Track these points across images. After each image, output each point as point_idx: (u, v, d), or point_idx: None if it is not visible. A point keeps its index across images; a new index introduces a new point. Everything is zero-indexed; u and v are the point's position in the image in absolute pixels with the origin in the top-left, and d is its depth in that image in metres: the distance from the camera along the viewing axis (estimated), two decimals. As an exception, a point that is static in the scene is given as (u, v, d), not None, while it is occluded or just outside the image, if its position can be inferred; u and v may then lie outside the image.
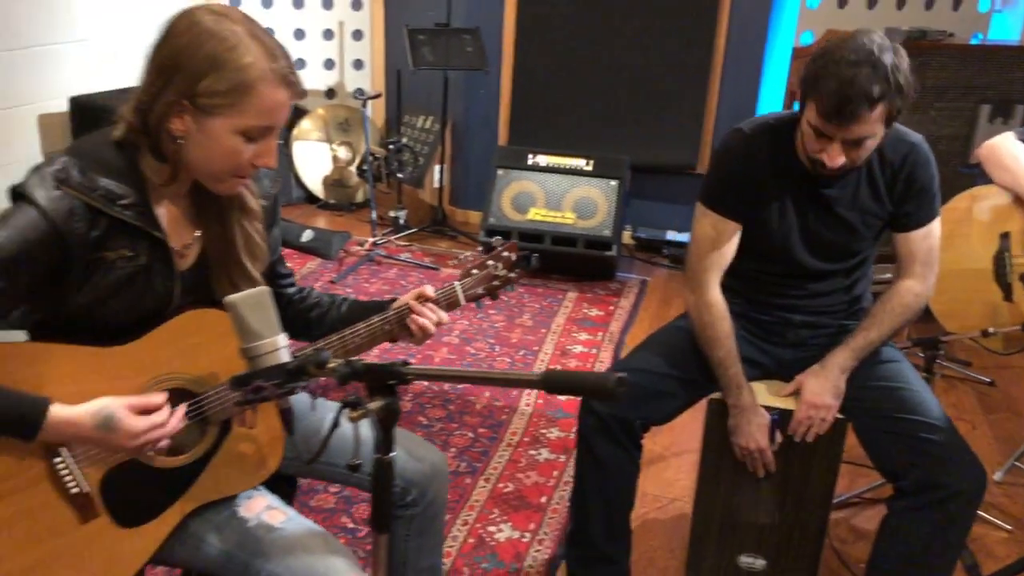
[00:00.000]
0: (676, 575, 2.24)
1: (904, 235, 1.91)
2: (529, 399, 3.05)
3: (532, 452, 2.74)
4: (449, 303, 1.61)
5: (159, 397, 1.32)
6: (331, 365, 1.06)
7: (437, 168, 4.75)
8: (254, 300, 1.20)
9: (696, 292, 1.96)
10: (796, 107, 1.85)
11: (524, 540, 2.33)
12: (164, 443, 1.32)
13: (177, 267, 1.38)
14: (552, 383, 0.93)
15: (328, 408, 1.67)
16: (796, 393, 1.95)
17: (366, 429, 1.11)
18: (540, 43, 4.51)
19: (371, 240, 4.36)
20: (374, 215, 4.40)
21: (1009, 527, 2.44)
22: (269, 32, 1.33)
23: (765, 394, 2.00)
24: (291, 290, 1.65)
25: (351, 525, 2.33)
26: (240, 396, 1.19)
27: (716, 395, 2.01)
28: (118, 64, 4.05)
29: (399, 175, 4.56)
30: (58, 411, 1.24)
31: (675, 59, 4.38)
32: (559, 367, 3.30)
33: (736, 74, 4.38)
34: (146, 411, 1.29)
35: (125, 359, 1.32)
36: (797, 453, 1.98)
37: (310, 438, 1.60)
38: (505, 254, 1.68)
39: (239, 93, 1.26)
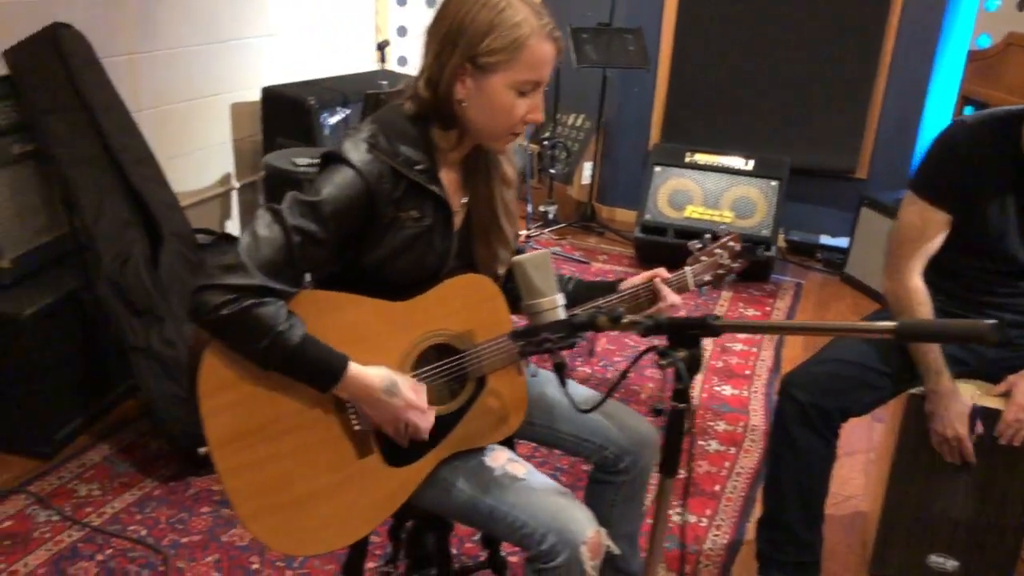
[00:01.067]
0: (857, 571, 2.25)
1: None
2: (694, 392, 3.08)
3: (701, 443, 2.79)
4: (679, 287, 1.69)
5: (424, 389, 1.47)
6: (627, 320, 1.16)
7: (587, 165, 4.84)
8: (539, 261, 1.31)
9: (895, 279, 1.97)
10: (968, 111, 1.84)
11: (702, 524, 2.39)
12: (423, 424, 1.45)
13: (453, 228, 1.52)
14: (909, 332, 0.98)
15: (547, 378, 1.78)
16: (1006, 394, 1.93)
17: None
18: (699, 42, 4.54)
19: (525, 233, 4.49)
20: (530, 208, 4.53)
21: None
22: (542, 5, 1.45)
23: (973, 392, 1.99)
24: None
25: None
26: (522, 347, 1.30)
27: (915, 390, 2.01)
28: (305, 58, 4.32)
29: (551, 171, 4.67)
30: (354, 370, 1.39)
31: (839, 60, 4.33)
32: (722, 363, 3.33)
33: (903, 77, 4.29)
34: (417, 391, 1.45)
35: (405, 314, 1.47)
36: (1001, 452, 1.97)
37: (536, 401, 1.72)
38: (730, 244, 1.75)
39: (513, 49, 1.38)
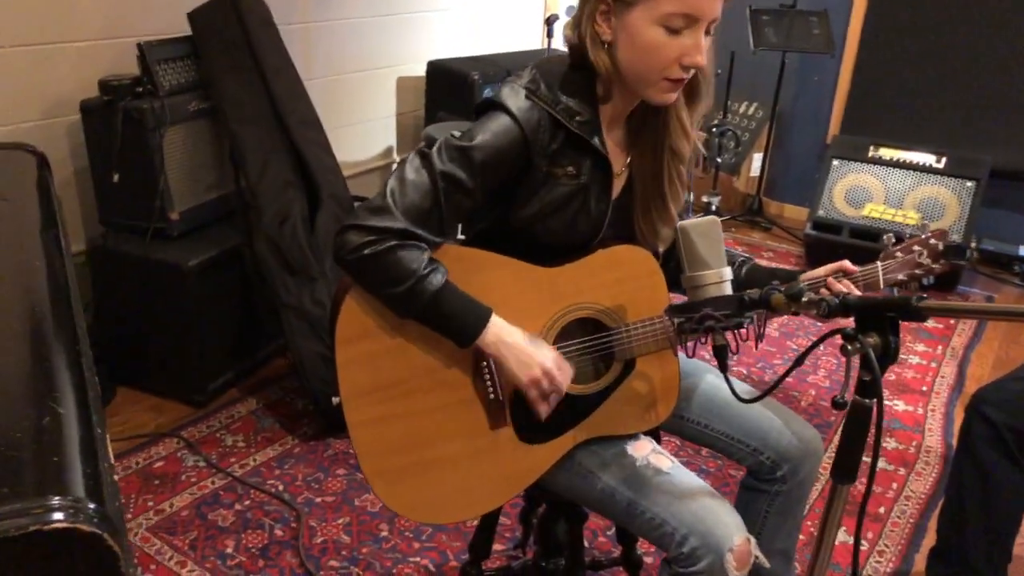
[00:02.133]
0: (1049, 623, 1.95)
1: None
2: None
3: (865, 459, 2.52)
4: (868, 284, 1.49)
5: (570, 367, 1.36)
6: (808, 298, 1.00)
7: (757, 156, 4.57)
8: (705, 228, 1.17)
9: None
10: None
11: (862, 548, 2.15)
12: (562, 384, 1.34)
13: (612, 193, 1.39)
14: None
15: (702, 366, 1.63)
16: None
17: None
18: (892, 25, 4.15)
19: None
20: (691, 197, 4.31)
21: None
22: None
23: None
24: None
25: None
26: (681, 324, 1.16)
27: None
28: (473, 33, 4.31)
29: (718, 159, 4.43)
30: (497, 323, 1.30)
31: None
32: (894, 376, 3.02)
33: None
34: (559, 360, 1.34)
35: (553, 281, 1.36)
36: None
37: (688, 391, 1.57)
38: (932, 241, 1.52)
39: None
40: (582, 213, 1.37)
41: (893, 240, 1.55)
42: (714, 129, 4.39)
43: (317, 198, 2.65)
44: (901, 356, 3.13)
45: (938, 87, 4.09)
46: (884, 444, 2.60)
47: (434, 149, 1.28)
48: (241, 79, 2.61)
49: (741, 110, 4.75)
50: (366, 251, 1.24)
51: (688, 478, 1.39)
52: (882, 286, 1.51)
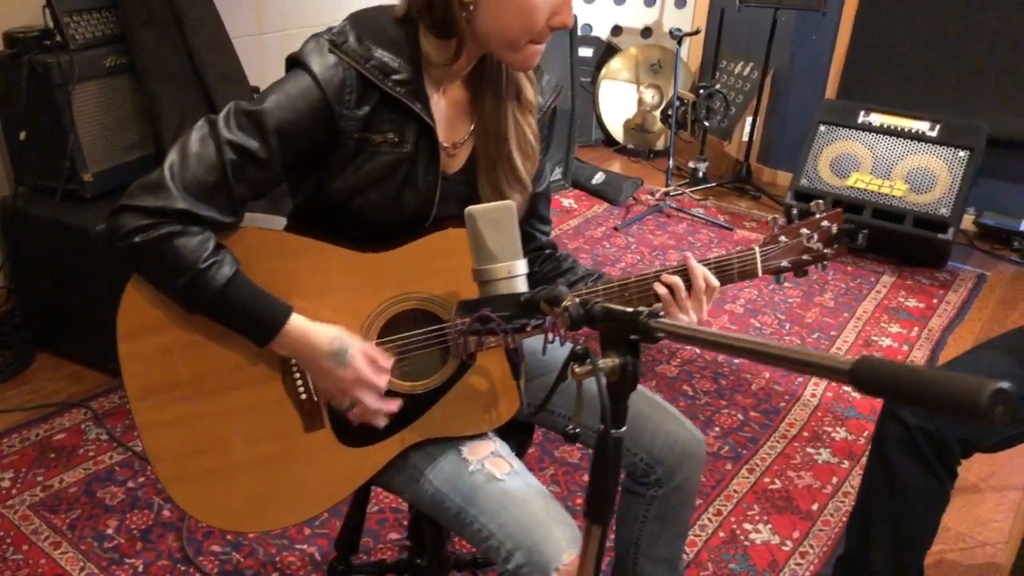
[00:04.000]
0: (974, 639, 1.80)
1: None
2: (817, 389, 2.65)
3: (810, 450, 2.37)
4: (743, 271, 1.32)
5: (389, 362, 1.21)
6: (566, 303, 0.85)
7: (749, 120, 4.33)
8: (496, 214, 1.02)
9: None
10: None
11: (784, 548, 2.00)
12: (372, 406, 1.21)
13: (444, 165, 1.24)
14: (867, 379, 0.63)
15: (562, 356, 1.48)
16: None
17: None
18: (894, -16, 3.87)
19: (663, 190, 4.09)
20: (671, 163, 4.11)
21: None
22: None
23: None
24: (544, 239, 1.46)
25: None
26: (464, 324, 1.02)
27: (1077, 431, 1.53)
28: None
29: (706, 123, 4.21)
30: (297, 323, 1.16)
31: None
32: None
33: None
34: (376, 366, 1.19)
35: (376, 267, 1.22)
36: None
37: (539, 386, 1.43)
38: (824, 224, 1.35)
39: None
40: (408, 187, 1.21)
41: (783, 222, 1.38)
42: (701, 91, 4.16)
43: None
44: (872, 338, 2.95)
45: (941, 50, 3.81)
46: (832, 433, 2.43)
47: (221, 115, 1.14)
48: (159, 32, 2.48)
49: (735, 70, 4.50)
50: (137, 238, 1.09)
51: (525, 485, 1.25)
52: (760, 273, 1.35)
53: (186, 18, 2.48)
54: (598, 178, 4.14)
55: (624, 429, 0.83)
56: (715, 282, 1.28)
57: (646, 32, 4.95)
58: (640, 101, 4.78)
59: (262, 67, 2.71)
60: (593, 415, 1.39)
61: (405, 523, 1.99)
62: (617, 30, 4.94)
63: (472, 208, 1.04)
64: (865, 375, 0.62)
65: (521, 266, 1.02)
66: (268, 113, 1.12)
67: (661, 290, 1.26)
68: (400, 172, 1.21)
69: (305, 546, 1.94)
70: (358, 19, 1.19)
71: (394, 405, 1.23)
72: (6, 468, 2.12)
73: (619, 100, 4.81)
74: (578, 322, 0.82)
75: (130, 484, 2.09)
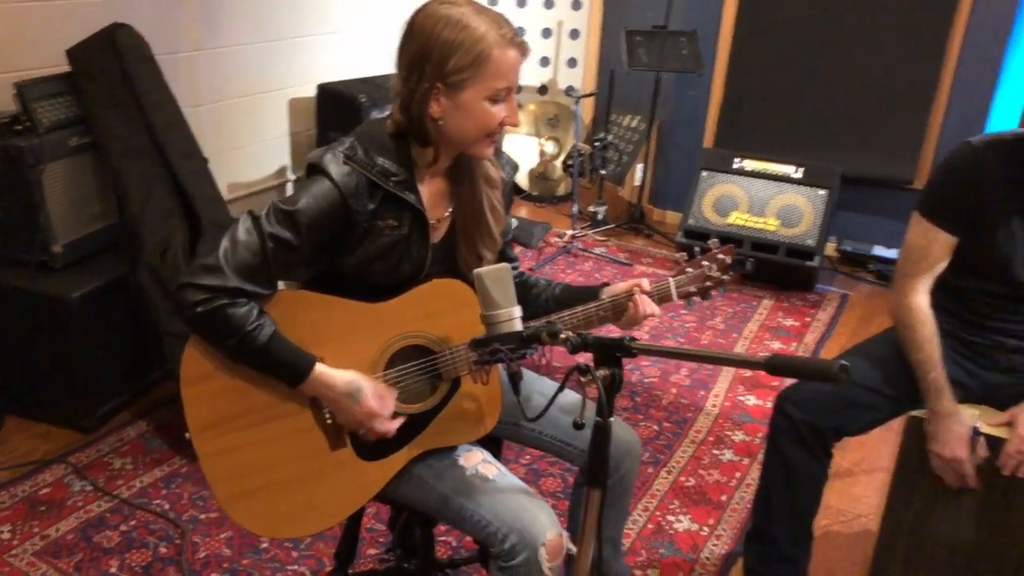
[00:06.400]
0: (856, 589, 2.23)
1: None
2: (716, 400, 3.09)
3: (715, 451, 2.79)
4: (661, 298, 1.71)
5: (393, 395, 1.55)
6: (563, 336, 1.21)
7: (639, 167, 4.84)
8: (497, 274, 1.37)
9: (898, 296, 1.96)
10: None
11: (702, 533, 2.40)
12: (381, 430, 1.53)
13: (431, 238, 1.58)
14: (776, 366, 1.02)
15: (533, 381, 1.83)
16: (1009, 423, 1.89)
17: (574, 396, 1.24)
18: (757, 48, 4.48)
19: (570, 233, 4.53)
20: (576, 209, 4.56)
21: None
22: (501, 14, 1.50)
23: (976, 418, 1.95)
24: (513, 272, 1.83)
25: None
26: (478, 356, 1.36)
27: (917, 412, 1.98)
28: (362, 55, 4.46)
29: (602, 172, 4.69)
30: (320, 370, 1.49)
31: (900, 68, 4.20)
32: (749, 373, 3.31)
33: (967, 87, 4.14)
34: (383, 399, 1.53)
35: (380, 315, 1.55)
36: (1002, 481, 1.92)
37: (523, 404, 1.77)
38: (720, 256, 1.75)
39: (480, 63, 1.45)
40: (405, 258, 1.56)
41: (686, 257, 1.78)
42: (597, 143, 4.65)
43: (199, 227, 2.77)
44: (758, 354, 3.42)
45: (799, 103, 4.43)
46: (732, 436, 2.87)
47: (263, 213, 1.46)
48: (121, 114, 2.72)
49: (624, 123, 5.02)
50: (199, 309, 1.40)
51: (511, 483, 1.59)
52: (675, 299, 1.73)
53: (146, 100, 2.74)
54: (512, 224, 4.53)
55: (613, 419, 1.19)
56: (656, 310, 1.67)
57: (543, 89, 5.43)
58: (542, 152, 5.23)
59: (199, 138, 2.97)
60: (551, 425, 1.75)
61: (382, 540, 2.27)
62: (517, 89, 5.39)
63: (479, 270, 1.38)
64: (775, 363, 1.01)
65: (518, 311, 1.37)
66: (300, 212, 1.45)
67: (642, 312, 1.65)
68: (399, 248, 1.55)
69: (296, 567, 2.19)
70: (363, 135, 1.54)
71: (396, 424, 1.55)
72: (3, 522, 2.28)
73: (522, 151, 5.25)
74: (576, 348, 1.18)
75: (123, 527, 2.30)
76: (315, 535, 2.23)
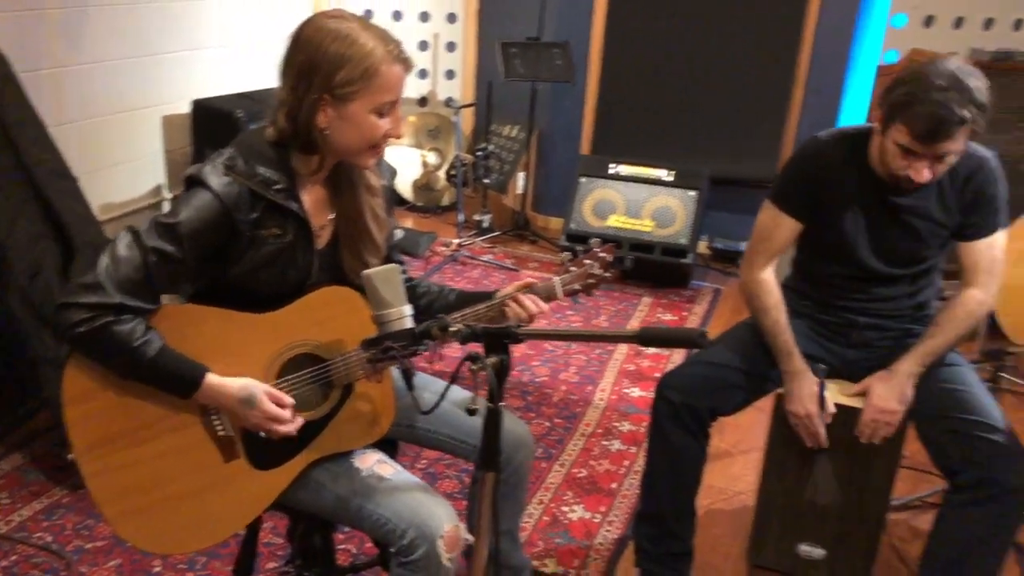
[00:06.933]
0: (738, 561, 2.38)
1: (969, 245, 2.01)
2: (603, 394, 3.22)
3: (605, 443, 2.91)
4: (547, 296, 1.79)
5: (290, 399, 1.56)
6: (453, 329, 1.27)
7: (521, 175, 4.96)
8: (386, 274, 1.42)
9: (746, 272, 2.16)
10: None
11: (595, 521, 2.50)
12: (283, 431, 1.54)
13: (316, 245, 1.61)
14: (646, 337, 1.12)
15: (425, 383, 1.88)
16: (863, 394, 2.07)
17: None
18: (626, 57, 4.69)
19: (456, 241, 4.60)
20: (461, 218, 4.63)
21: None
22: (388, 31, 1.55)
23: (835, 392, 2.12)
24: (403, 277, 1.87)
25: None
26: (371, 356, 1.40)
27: (782, 390, 2.14)
28: (237, 71, 4.39)
29: (485, 181, 4.79)
30: (212, 380, 1.49)
31: (758, 75, 4.50)
32: (634, 367, 3.46)
33: (818, 91, 4.47)
34: (279, 403, 1.54)
35: (269, 325, 1.56)
36: (860, 449, 2.10)
37: (416, 405, 1.82)
38: (602, 255, 1.85)
39: (367, 77, 1.49)
40: (290, 266, 1.58)
41: (570, 257, 1.87)
42: (479, 153, 4.74)
43: (71, 248, 2.68)
44: (641, 348, 3.58)
45: (668, 110, 4.67)
46: (620, 427, 3.00)
47: (143, 228, 1.46)
48: (-20, 135, 2.60)
49: (505, 132, 5.13)
50: (82, 328, 1.39)
51: (407, 480, 1.63)
52: (560, 296, 1.82)
53: (9, 120, 2.63)
54: (397, 235, 4.55)
55: (503, 404, 1.25)
56: (544, 307, 1.75)
57: (423, 101, 5.49)
58: (424, 163, 5.29)
59: (68, 157, 2.87)
60: (445, 423, 1.80)
61: (280, 554, 2.26)
62: (397, 101, 5.43)
63: (368, 271, 1.42)
64: (645, 335, 1.10)
65: (408, 309, 1.42)
66: (181, 224, 1.45)
67: (510, 315, 1.71)
68: (284, 256, 1.57)
69: (192, 587, 2.16)
70: (242, 146, 1.55)
71: (297, 424, 1.56)
72: None
73: (404, 163, 5.28)
74: (466, 339, 1.24)
75: (3, 563, 2.20)
76: (211, 549, 2.20)
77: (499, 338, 1.22)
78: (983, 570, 1.92)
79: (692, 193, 4.25)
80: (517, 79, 4.49)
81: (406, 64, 1.54)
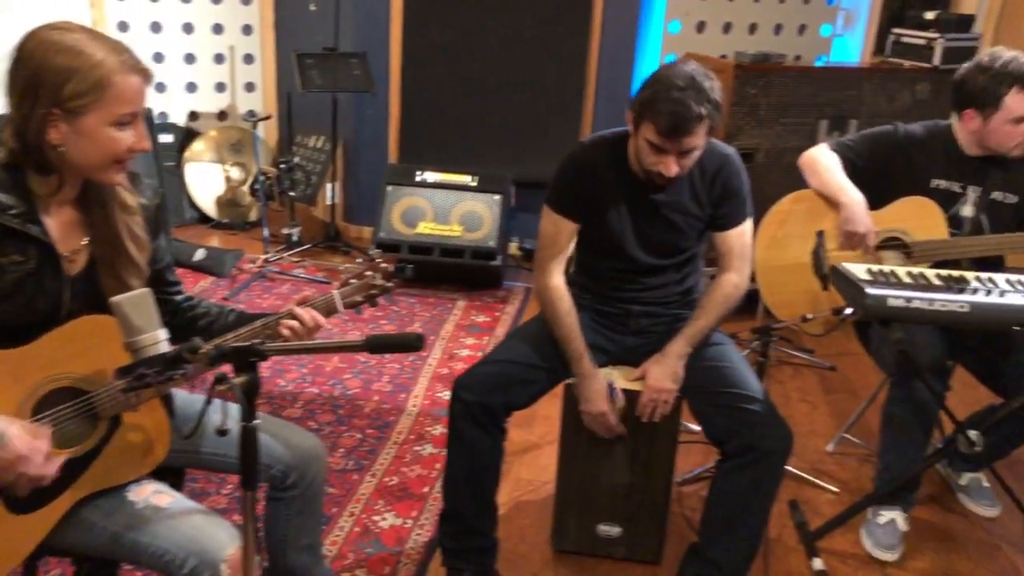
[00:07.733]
0: (544, 548, 2.47)
1: (722, 234, 2.21)
2: (416, 400, 3.25)
3: (417, 448, 2.94)
4: (327, 309, 1.78)
5: (47, 430, 1.46)
6: (202, 350, 1.25)
7: (329, 186, 4.91)
8: (136, 300, 1.37)
9: (538, 280, 2.26)
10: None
11: (406, 526, 2.53)
12: (36, 474, 1.43)
13: (66, 271, 1.53)
14: (373, 345, 1.15)
15: (211, 407, 1.83)
16: (643, 377, 2.22)
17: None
18: (426, 66, 4.74)
19: (263, 257, 4.48)
20: (266, 233, 4.52)
21: (836, 489, 2.78)
22: (120, 41, 1.50)
23: (620, 378, 2.26)
24: (178, 298, 1.81)
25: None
26: (125, 384, 1.35)
27: (569, 380, 2.26)
28: None
29: (291, 193, 4.69)
30: None
31: (552, 82, 4.69)
32: (447, 370, 3.51)
33: (608, 95, 4.71)
34: (35, 438, 1.44)
35: (21, 359, 1.47)
36: (642, 430, 2.25)
37: (200, 430, 1.77)
38: (383, 265, 1.87)
39: (100, 89, 1.43)
40: (38, 294, 1.50)
41: (362, 263, 1.88)
42: (283, 165, 4.64)
43: None
44: (454, 352, 3.64)
45: (470, 117, 4.77)
46: (432, 431, 3.04)
47: None
48: None
49: (310, 143, 5.06)
50: None
51: (186, 507, 1.59)
52: (341, 309, 1.82)
53: None
54: (199, 255, 4.39)
55: (258, 422, 1.25)
56: (323, 320, 1.73)
57: (222, 115, 5.30)
58: (227, 179, 5.11)
59: None
60: (227, 444, 1.76)
61: (69, 600, 2.13)
62: (194, 116, 5.23)
63: (116, 298, 1.37)
64: (372, 343, 1.13)
65: (163, 334, 1.38)
66: None
67: (285, 332, 1.68)
68: (29, 284, 1.49)
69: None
70: None
71: (54, 467, 1.48)
72: None
73: (207, 179, 5.09)
74: (215, 360, 1.22)
75: None
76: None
77: (244, 356, 1.22)
78: (751, 526, 2.11)
79: (497, 197, 4.36)
80: (315, 90, 4.44)
81: (144, 74, 1.49)
